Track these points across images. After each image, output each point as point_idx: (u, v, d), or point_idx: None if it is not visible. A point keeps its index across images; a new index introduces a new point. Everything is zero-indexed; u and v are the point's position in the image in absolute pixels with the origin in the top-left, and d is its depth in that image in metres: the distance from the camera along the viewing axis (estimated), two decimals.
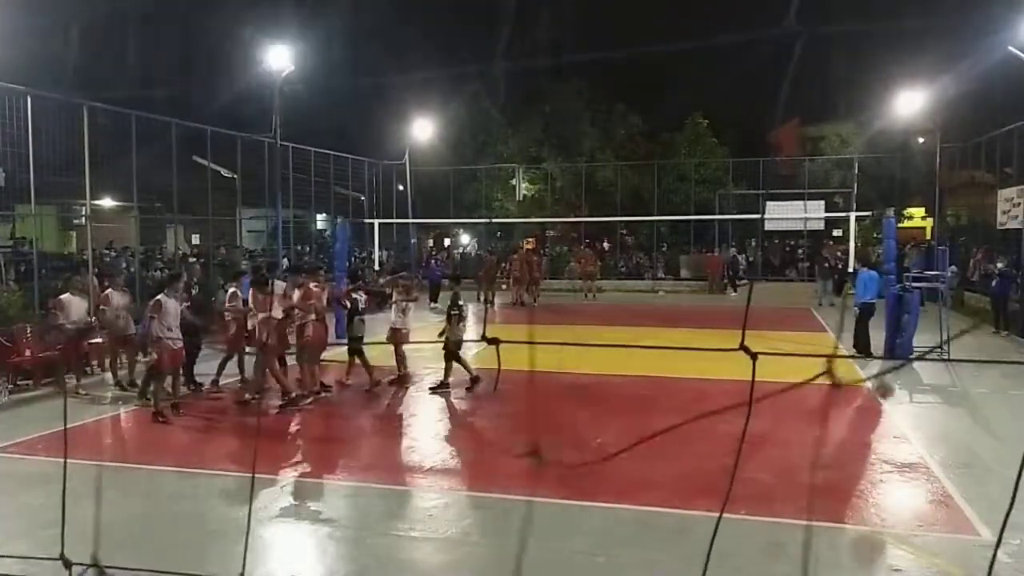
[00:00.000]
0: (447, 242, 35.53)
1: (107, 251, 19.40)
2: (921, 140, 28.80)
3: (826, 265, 23.20)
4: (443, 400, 10.18)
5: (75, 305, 10.56)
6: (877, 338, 12.54)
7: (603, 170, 31.73)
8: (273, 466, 7.37)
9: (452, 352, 10.31)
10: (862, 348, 12.57)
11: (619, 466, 6.61)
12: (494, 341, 1.16)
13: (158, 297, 9.33)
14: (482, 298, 23.02)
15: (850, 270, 19.58)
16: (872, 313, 12.77)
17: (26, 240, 15.96)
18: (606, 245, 32.22)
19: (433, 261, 23.92)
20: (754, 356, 1.05)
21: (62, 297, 10.63)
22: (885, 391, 9.68)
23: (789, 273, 28.47)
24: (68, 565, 1.28)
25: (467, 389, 10.35)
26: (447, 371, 10.50)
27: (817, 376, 1.14)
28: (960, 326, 15.50)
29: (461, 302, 10.84)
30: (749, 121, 31.27)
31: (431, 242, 35.41)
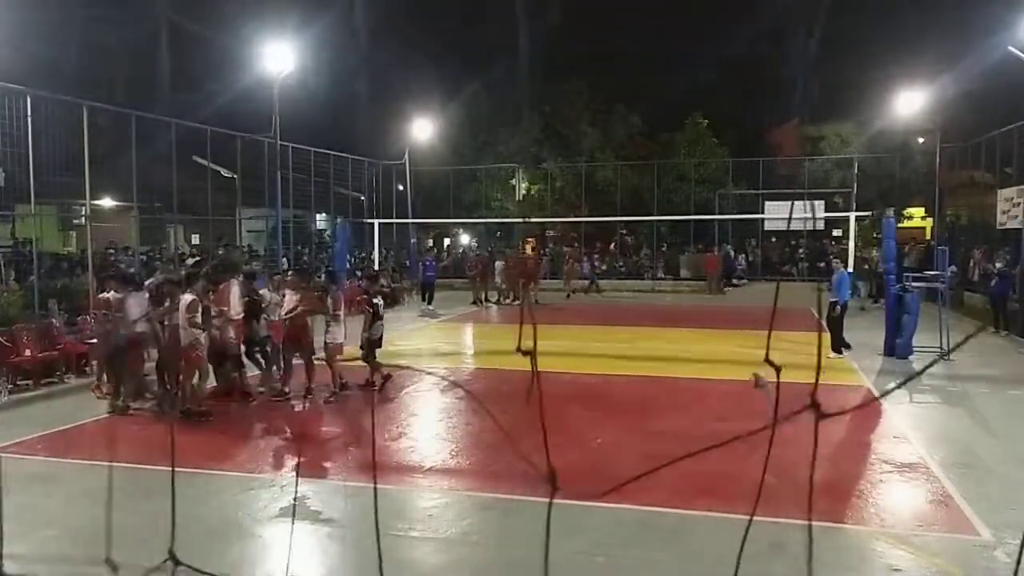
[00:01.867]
0: (447, 242, 35.52)
1: (109, 251, 19.39)
2: (921, 140, 28.80)
3: (866, 267, 22.38)
4: (443, 400, 10.19)
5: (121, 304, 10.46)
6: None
7: (603, 170, 31.72)
8: (273, 466, 7.37)
9: (368, 351, 10.36)
10: (839, 345, 12.68)
11: (619, 466, 6.61)
12: (525, 352, 1.13)
13: (191, 297, 9.17)
14: (482, 297, 23.02)
15: (851, 270, 19.64)
16: (845, 311, 12.98)
17: (27, 241, 15.96)
18: (612, 246, 32.23)
19: (422, 262, 23.63)
20: (778, 369, 1.05)
21: (105, 296, 10.55)
22: (759, 383, 9.48)
23: (789, 270, 28.45)
24: (114, 568, 1.26)
25: (377, 388, 10.38)
26: (372, 370, 10.58)
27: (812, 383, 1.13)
28: (960, 326, 15.50)
29: (377, 301, 10.82)
30: (749, 121, 31.31)
31: (431, 242, 35.42)
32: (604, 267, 29.28)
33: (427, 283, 21.78)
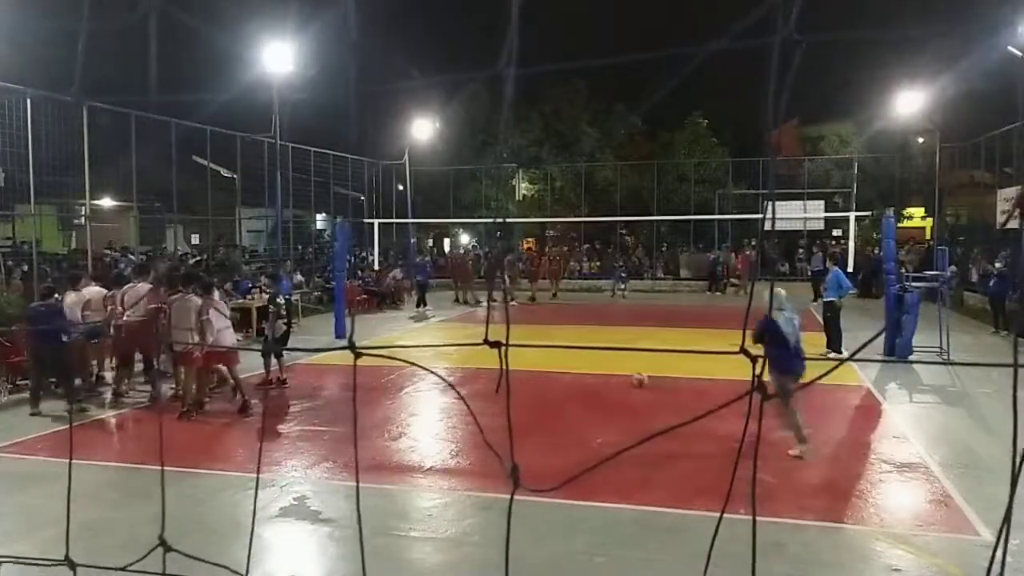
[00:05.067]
0: (447, 242, 35.52)
1: (107, 251, 19.39)
2: (920, 140, 28.80)
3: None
4: (443, 400, 10.19)
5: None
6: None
7: (603, 170, 31.73)
8: (273, 466, 7.37)
9: (274, 349, 10.73)
10: (839, 345, 12.68)
11: (619, 466, 6.60)
12: (496, 344, 1.15)
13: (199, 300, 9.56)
14: (462, 297, 23.22)
15: (849, 269, 19.66)
16: (840, 309, 12.97)
17: (26, 242, 15.97)
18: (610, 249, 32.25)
19: (419, 263, 23.41)
20: (754, 359, 1.06)
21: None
22: (641, 382, 10.46)
23: (785, 269, 28.45)
24: (73, 567, 1.28)
25: (272, 384, 10.74)
26: (267, 367, 10.90)
27: (819, 378, 1.14)
28: (960, 327, 15.51)
29: (279, 300, 11.02)
30: (748, 121, 31.27)
31: (431, 241, 35.42)
32: (625, 269, 28.72)
33: (421, 285, 21.47)
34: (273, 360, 11.00)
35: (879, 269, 18.25)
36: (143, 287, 10.52)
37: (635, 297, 25.60)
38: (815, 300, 21.49)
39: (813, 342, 13.34)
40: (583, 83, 33.01)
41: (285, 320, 10.99)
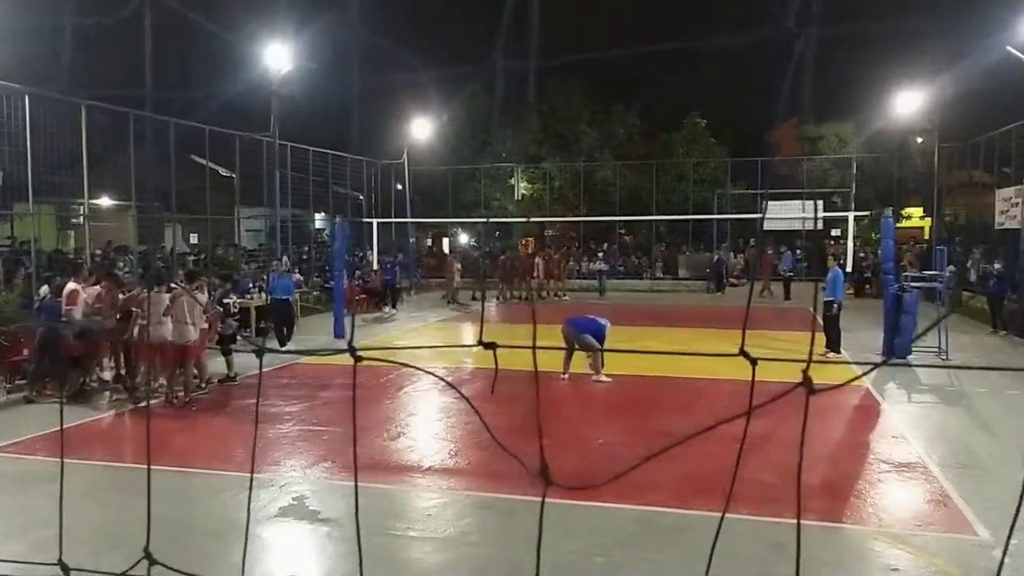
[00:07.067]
0: (446, 241, 35.51)
1: (100, 250, 19.36)
2: (919, 140, 28.82)
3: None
4: (442, 400, 10.18)
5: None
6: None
7: (601, 170, 31.72)
8: (272, 466, 7.37)
9: (224, 346, 11.17)
10: (838, 344, 12.71)
11: (619, 466, 6.60)
12: (491, 345, 1.14)
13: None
14: (507, 295, 23.59)
15: (848, 270, 19.69)
16: (840, 309, 12.96)
17: (25, 242, 15.95)
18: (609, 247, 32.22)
19: (383, 264, 22.49)
20: (753, 361, 1.05)
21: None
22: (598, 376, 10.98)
23: (784, 270, 28.46)
24: (66, 570, 1.27)
25: (220, 381, 10.99)
26: (228, 364, 11.25)
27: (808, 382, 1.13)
28: (959, 326, 15.52)
29: (227, 300, 11.39)
30: (747, 121, 31.31)
31: (429, 241, 35.40)
32: (606, 267, 28.65)
33: (387, 286, 20.96)
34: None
35: (876, 269, 18.34)
36: (69, 286, 10.63)
37: (635, 297, 25.61)
38: (787, 299, 22.40)
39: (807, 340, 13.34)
40: (582, 82, 33.01)
41: (236, 317, 11.51)
